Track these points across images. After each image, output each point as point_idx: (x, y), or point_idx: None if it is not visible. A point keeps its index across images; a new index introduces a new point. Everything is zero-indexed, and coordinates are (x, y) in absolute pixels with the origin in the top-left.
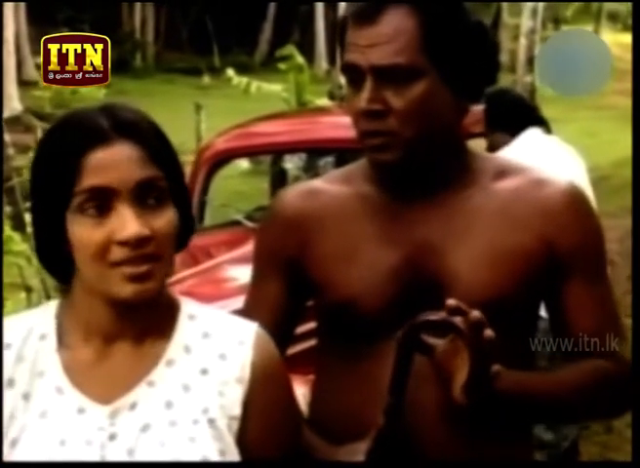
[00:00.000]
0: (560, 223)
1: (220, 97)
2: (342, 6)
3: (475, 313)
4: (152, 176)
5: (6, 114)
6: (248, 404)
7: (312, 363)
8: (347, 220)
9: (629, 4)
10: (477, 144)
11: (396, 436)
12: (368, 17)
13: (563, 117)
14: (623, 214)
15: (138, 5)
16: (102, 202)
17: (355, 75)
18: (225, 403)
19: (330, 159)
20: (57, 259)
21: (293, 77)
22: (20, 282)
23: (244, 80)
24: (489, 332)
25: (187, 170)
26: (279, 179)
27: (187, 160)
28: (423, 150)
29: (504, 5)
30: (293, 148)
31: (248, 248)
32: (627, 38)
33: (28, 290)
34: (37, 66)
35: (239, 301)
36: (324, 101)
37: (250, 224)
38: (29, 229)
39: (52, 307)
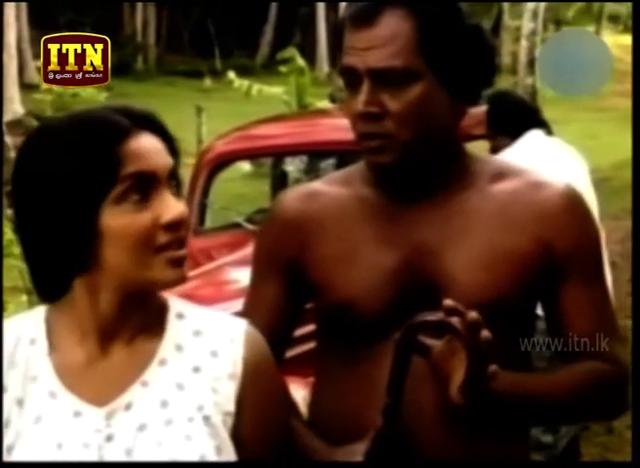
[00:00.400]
0: (557, 225)
1: (222, 100)
2: (344, 8)
3: (472, 314)
4: (174, 165)
5: (8, 117)
6: (241, 399)
7: (312, 365)
8: (346, 222)
9: (630, 5)
10: (478, 146)
11: (394, 436)
12: (365, 19)
13: (564, 118)
14: (625, 216)
15: (139, 7)
16: (144, 188)
17: (352, 78)
18: (219, 399)
19: (331, 161)
20: (53, 272)
21: (294, 80)
22: (21, 285)
23: (245, 83)
24: (485, 333)
25: (188, 172)
26: (280, 182)
27: (188, 162)
28: (420, 152)
29: (505, 7)
30: (294, 151)
31: (249, 250)
32: (628, 39)
33: (30, 293)
34: (39, 70)
35: (240, 304)
36: (325, 104)
37: (250, 227)
38: None
39: (39, 312)
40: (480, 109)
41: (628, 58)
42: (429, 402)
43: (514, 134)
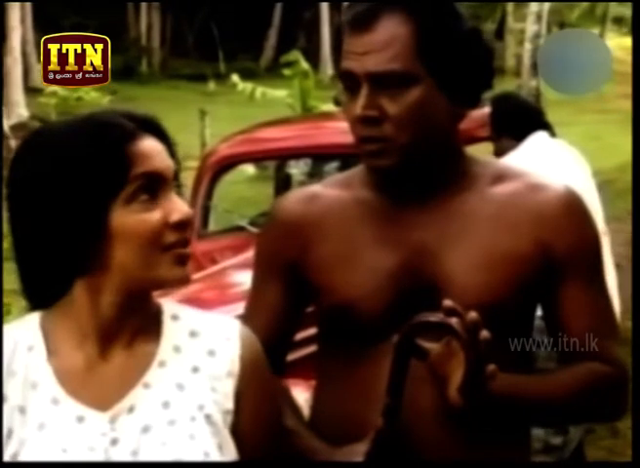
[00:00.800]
0: (556, 227)
1: (226, 103)
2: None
3: (472, 314)
4: (177, 168)
5: (12, 121)
6: (239, 396)
7: (315, 368)
8: (346, 225)
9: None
10: (481, 149)
11: (394, 437)
12: (363, 24)
13: (567, 121)
14: (628, 218)
15: (143, 11)
16: (152, 189)
17: (351, 82)
18: (218, 398)
19: (335, 164)
20: (53, 274)
21: (298, 83)
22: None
23: (249, 86)
24: (485, 333)
25: (192, 175)
26: (284, 185)
27: (192, 165)
28: (419, 155)
29: (509, 10)
30: (298, 154)
31: (252, 253)
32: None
33: None
34: None
35: (243, 307)
36: (329, 107)
37: (254, 230)
38: None
39: (34, 319)
40: (483, 111)
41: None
42: (429, 403)
43: (518, 136)
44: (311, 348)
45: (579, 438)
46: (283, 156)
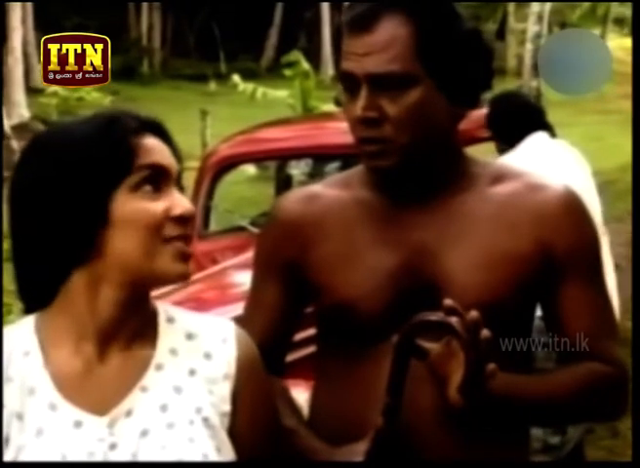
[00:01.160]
0: (555, 227)
1: (226, 104)
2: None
3: (473, 313)
4: (180, 170)
5: (14, 121)
6: (236, 398)
7: (314, 368)
8: (346, 224)
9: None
10: (481, 149)
11: (394, 437)
12: (363, 25)
13: (568, 121)
14: (629, 219)
15: (144, 11)
16: (157, 182)
17: (351, 83)
18: (215, 400)
19: (335, 165)
20: (52, 265)
21: (298, 83)
22: None
23: (250, 86)
24: (485, 333)
25: (192, 175)
26: (285, 185)
27: (193, 166)
28: (419, 156)
29: (511, 10)
30: (298, 154)
31: (253, 253)
32: None
33: None
34: None
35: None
36: (330, 107)
37: (255, 230)
38: None
39: (28, 323)
40: (483, 112)
41: None
42: (429, 402)
43: (518, 136)
44: (311, 348)
45: (577, 438)
46: (284, 156)
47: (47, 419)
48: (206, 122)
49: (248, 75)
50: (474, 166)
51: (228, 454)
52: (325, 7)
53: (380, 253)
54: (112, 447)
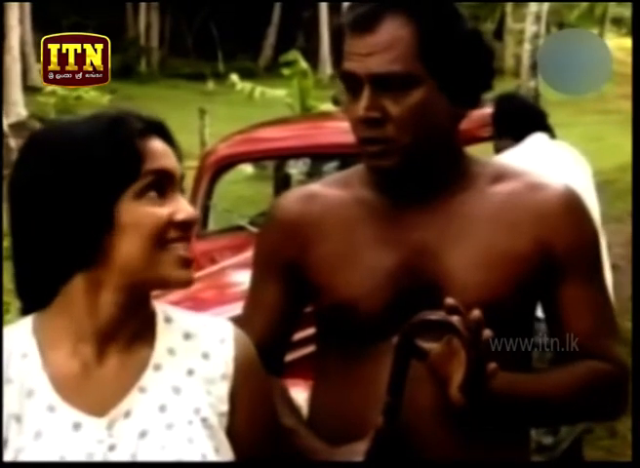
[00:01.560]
0: (555, 226)
1: (225, 103)
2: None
3: (475, 312)
4: (182, 172)
5: (11, 120)
6: (234, 398)
7: (314, 368)
8: (346, 224)
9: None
10: (480, 149)
11: (395, 436)
12: (365, 25)
13: (567, 122)
14: (628, 219)
15: (142, 11)
16: (161, 187)
17: (353, 83)
18: (214, 400)
19: (334, 164)
20: (54, 268)
21: (297, 82)
22: None
23: (248, 85)
24: (487, 333)
25: (191, 175)
26: (283, 185)
27: (191, 165)
28: (421, 156)
29: (509, 10)
30: (297, 153)
31: (251, 253)
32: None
33: None
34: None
35: (242, 306)
36: (328, 107)
37: (253, 229)
38: None
39: (26, 325)
40: (484, 112)
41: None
42: (429, 402)
43: (519, 135)
44: (310, 348)
45: (571, 438)
46: (282, 156)
47: (46, 421)
48: (204, 121)
49: (246, 74)
50: (474, 165)
51: (227, 454)
52: (323, 6)
53: (380, 253)
54: (111, 448)
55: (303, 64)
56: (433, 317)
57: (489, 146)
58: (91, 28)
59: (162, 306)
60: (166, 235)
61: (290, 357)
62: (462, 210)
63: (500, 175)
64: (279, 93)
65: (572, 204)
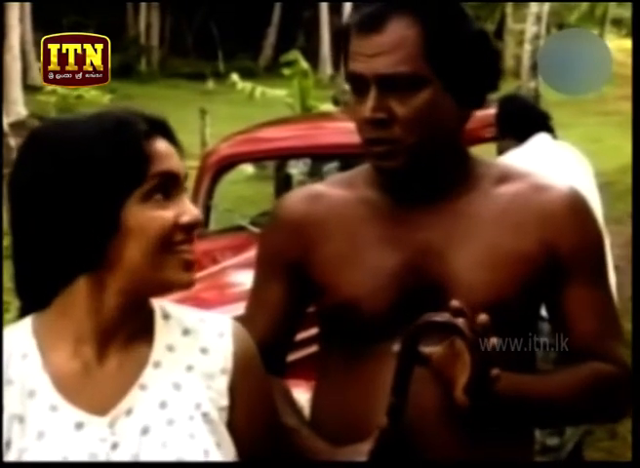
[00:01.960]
0: (560, 227)
1: (225, 103)
2: (347, 12)
3: (482, 316)
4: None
5: (11, 119)
6: (233, 392)
7: (316, 368)
8: (350, 224)
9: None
10: (479, 149)
11: (399, 437)
12: (372, 26)
13: (567, 122)
14: (628, 220)
15: (143, 10)
16: (167, 189)
17: (360, 84)
18: (214, 395)
19: (334, 164)
20: (57, 271)
21: (297, 82)
22: None
23: (248, 85)
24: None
25: (192, 175)
26: (284, 185)
27: (192, 165)
28: (427, 156)
29: (509, 11)
30: (297, 154)
31: (253, 253)
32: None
33: None
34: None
35: (244, 307)
36: (328, 107)
37: (255, 229)
38: None
39: (25, 325)
40: (489, 112)
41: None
42: (433, 402)
43: (522, 136)
44: (312, 348)
45: (576, 439)
46: (283, 156)
47: (48, 421)
48: (205, 121)
49: (246, 74)
50: (479, 166)
51: (229, 449)
52: (324, 6)
53: (384, 253)
54: (114, 446)
55: (304, 64)
56: (438, 319)
57: (491, 147)
58: (91, 28)
59: (160, 302)
60: (171, 238)
61: (292, 357)
62: (467, 210)
63: (505, 176)
64: (279, 92)
65: (577, 205)
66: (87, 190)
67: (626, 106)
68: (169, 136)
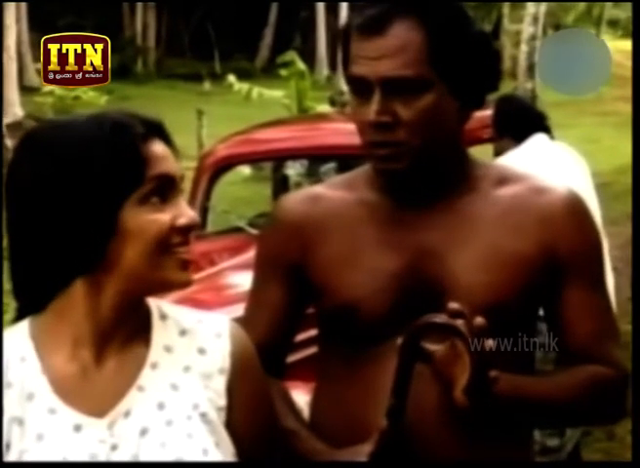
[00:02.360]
0: (559, 230)
1: (221, 104)
2: (344, 13)
3: (479, 319)
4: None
5: (8, 120)
6: (231, 392)
7: (316, 370)
8: (350, 225)
9: (629, 11)
10: (478, 150)
11: (399, 438)
12: (375, 29)
13: (565, 123)
14: (625, 221)
15: (139, 11)
16: (164, 191)
17: (362, 86)
18: (212, 395)
19: (331, 165)
20: (54, 273)
21: (294, 83)
22: None
23: (245, 86)
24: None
25: (188, 176)
26: (281, 186)
27: (188, 166)
28: (430, 158)
29: (506, 11)
30: (294, 155)
31: (250, 254)
32: (628, 45)
33: None
34: (38, 72)
35: (241, 308)
36: (325, 108)
37: (252, 231)
38: None
39: (23, 328)
40: (487, 113)
41: (628, 63)
42: (433, 403)
43: (519, 137)
44: (311, 350)
45: (575, 440)
46: (281, 157)
47: (47, 424)
48: (202, 122)
49: (242, 75)
50: (478, 168)
51: (228, 449)
52: (320, 7)
53: (384, 255)
54: (114, 447)
55: (301, 65)
56: (438, 320)
57: (489, 148)
58: (87, 28)
59: (157, 303)
60: (169, 241)
61: (292, 358)
62: (467, 212)
63: (504, 178)
64: (276, 93)
65: (575, 207)
66: (84, 193)
67: (624, 107)
68: (165, 137)
